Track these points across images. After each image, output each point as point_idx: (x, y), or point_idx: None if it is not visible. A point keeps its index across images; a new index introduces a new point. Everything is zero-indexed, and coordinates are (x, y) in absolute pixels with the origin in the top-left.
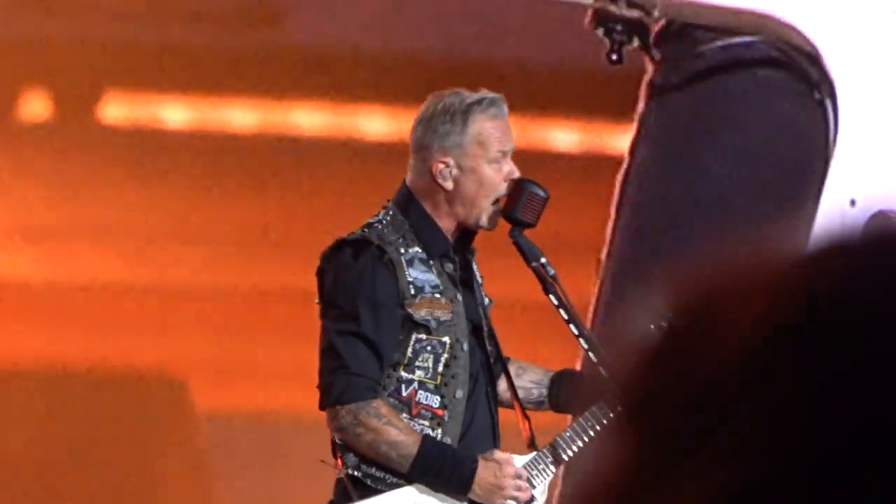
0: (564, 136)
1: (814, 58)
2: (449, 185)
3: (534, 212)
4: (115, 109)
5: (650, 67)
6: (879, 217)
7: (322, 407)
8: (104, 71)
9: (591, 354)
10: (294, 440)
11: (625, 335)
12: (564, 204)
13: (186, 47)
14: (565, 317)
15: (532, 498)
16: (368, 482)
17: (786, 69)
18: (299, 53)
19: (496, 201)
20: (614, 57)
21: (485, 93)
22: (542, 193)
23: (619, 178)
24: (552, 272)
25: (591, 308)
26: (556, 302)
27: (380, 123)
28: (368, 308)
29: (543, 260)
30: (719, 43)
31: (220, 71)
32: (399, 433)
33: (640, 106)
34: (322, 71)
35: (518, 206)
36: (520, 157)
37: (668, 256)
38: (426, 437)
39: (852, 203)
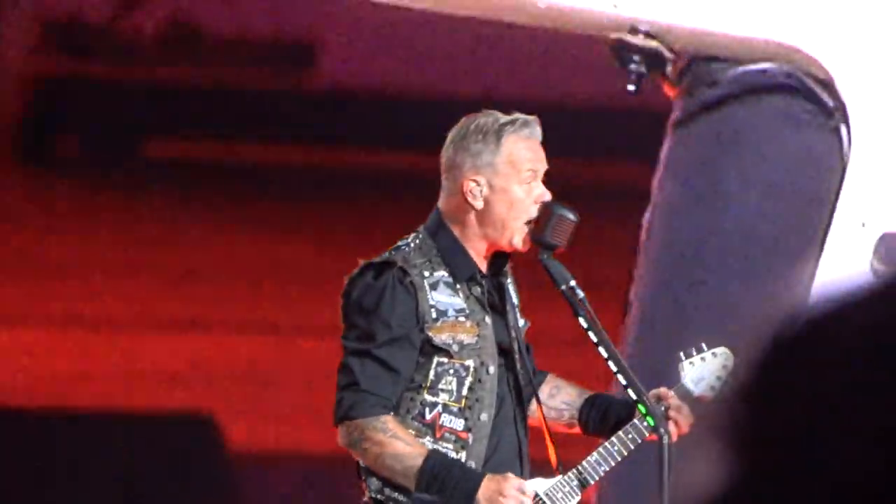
0: (590, 175)
1: (828, 84)
2: (479, 204)
3: (563, 235)
4: (147, 149)
5: (674, 105)
6: (887, 238)
7: (334, 424)
8: (140, 111)
9: (620, 377)
10: (327, 476)
11: (655, 369)
12: (592, 242)
13: (218, 88)
14: (595, 339)
15: None
16: None
17: (801, 96)
18: (329, 96)
19: (528, 222)
20: (633, 88)
21: (518, 115)
22: (571, 217)
23: (646, 215)
24: (581, 295)
25: (620, 347)
26: (585, 325)
27: (405, 164)
28: (384, 329)
29: (573, 283)
30: (734, 71)
31: (254, 111)
32: (405, 446)
33: (665, 143)
34: (350, 114)
35: (547, 230)
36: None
37: (697, 291)
38: (433, 451)
39: (863, 226)
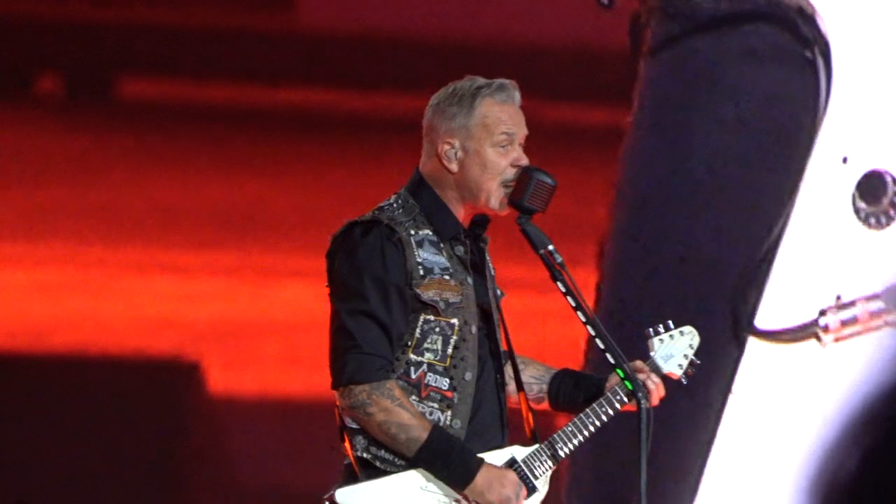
0: (566, 116)
1: (808, 15)
2: (454, 167)
3: (541, 199)
4: (128, 90)
5: (646, 35)
6: (871, 177)
7: (335, 387)
8: (116, 52)
9: (598, 342)
10: (311, 420)
11: (628, 319)
12: (570, 185)
13: (199, 28)
14: (573, 304)
15: (534, 489)
16: (378, 464)
17: (778, 25)
18: (309, 36)
19: (506, 185)
20: (605, 1)
21: (496, 80)
22: (549, 181)
23: (620, 155)
24: (560, 259)
25: (595, 287)
26: (563, 289)
27: (388, 107)
28: (378, 287)
29: (551, 247)
30: None
31: (232, 52)
32: (411, 417)
33: (638, 77)
34: (331, 54)
35: (526, 194)
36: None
37: (664, 233)
38: (436, 426)
39: (844, 161)
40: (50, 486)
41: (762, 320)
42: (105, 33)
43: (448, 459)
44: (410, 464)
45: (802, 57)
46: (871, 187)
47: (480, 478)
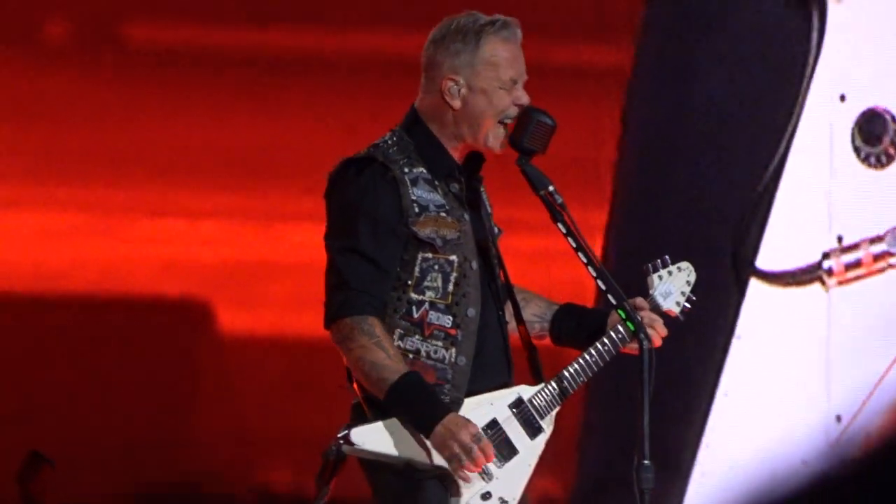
0: (564, 54)
1: None
2: (457, 103)
3: (542, 140)
4: (136, 35)
5: None
6: (869, 115)
7: (326, 325)
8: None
9: (599, 282)
10: (320, 360)
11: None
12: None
13: None
14: (573, 245)
15: (540, 429)
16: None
17: None
18: None
19: (504, 124)
20: None
21: (499, 16)
22: (549, 122)
23: (623, 96)
24: (560, 200)
25: (604, 228)
26: (563, 230)
27: (395, 47)
28: (369, 224)
29: (551, 188)
30: None
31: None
32: (385, 357)
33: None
34: None
35: (526, 135)
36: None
37: (668, 173)
38: (411, 372)
39: (842, 98)
40: (61, 431)
41: (764, 261)
42: None
43: (412, 406)
44: (382, 405)
45: None
46: (870, 126)
47: (441, 427)
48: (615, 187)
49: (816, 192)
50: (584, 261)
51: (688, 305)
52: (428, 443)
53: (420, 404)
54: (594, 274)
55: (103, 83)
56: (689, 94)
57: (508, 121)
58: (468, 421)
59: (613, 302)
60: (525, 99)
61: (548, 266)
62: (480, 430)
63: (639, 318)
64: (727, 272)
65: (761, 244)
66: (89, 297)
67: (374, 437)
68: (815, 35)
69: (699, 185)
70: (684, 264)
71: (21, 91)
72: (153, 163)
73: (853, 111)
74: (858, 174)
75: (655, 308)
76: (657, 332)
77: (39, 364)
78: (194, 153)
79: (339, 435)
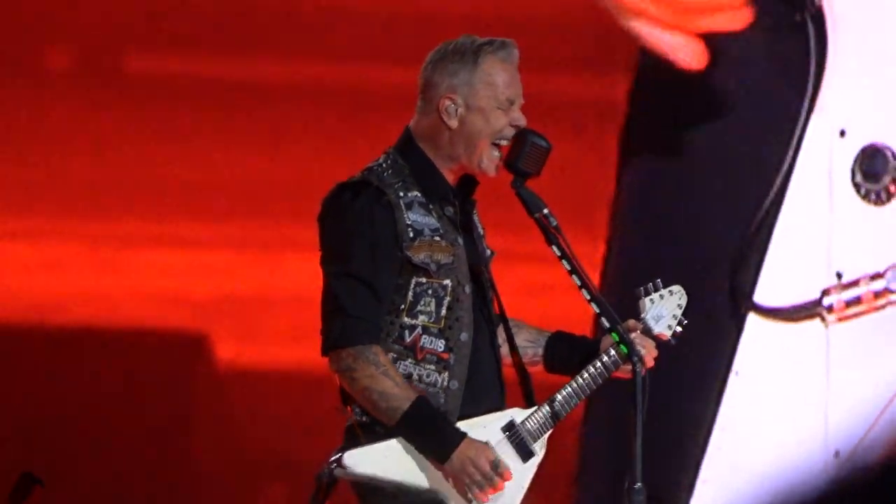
0: (565, 88)
1: None
2: (454, 123)
3: (536, 162)
4: (136, 64)
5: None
6: (869, 151)
7: (324, 353)
8: (127, 26)
9: (593, 305)
10: (319, 392)
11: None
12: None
13: (210, 3)
14: (568, 268)
15: (532, 453)
16: (378, 429)
17: None
18: (315, 10)
19: (498, 146)
20: None
21: (496, 38)
22: (544, 144)
23: (622, 129)
24: (555, 223)
25: (602, 259)
26: (558, 253)
27: (398, 80)
28: (365, 249)
29: (546, 210)
30: None
31: (237, 26)
32: (394, 385)
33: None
34: (341, 28)
35: (520, 157)
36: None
37: (667, 207)
38: (421, 397)
39: (842, 134)
40: (57, 460)
41: (762, 297)
42: (114, 7)
43: (427, 433)
44: (392, 433)
45: (792, 19)
46: (871, 163)
47: (458, 455)
48: (613, 222)
49: (816, 229)
50: (579, 283)
51: (679, 329)
52: (431, 467)
53: (434, 432)
54: (588, 297)
55: (103, 113)
56: (689, 129)
57: (503, 142)
58: (485, 446)
59: (607, 325)
60: (522, 121)
61: (546, 298)
62: (497, 455)
63: (632, 341)
64: (725, 307)
65: (759, 279)
66: (86, 328)
67: (367, 461)
68: (813, 70)
69: (698, 221)
70: (676, 288)
71: (20, 121)
72: (151, 193)
73: (853, 147)
74: (858, 211)
75: (647, 332)
76: (648, 355)
77: (35, 393)
78: (192, 184)
79: (332, 458)
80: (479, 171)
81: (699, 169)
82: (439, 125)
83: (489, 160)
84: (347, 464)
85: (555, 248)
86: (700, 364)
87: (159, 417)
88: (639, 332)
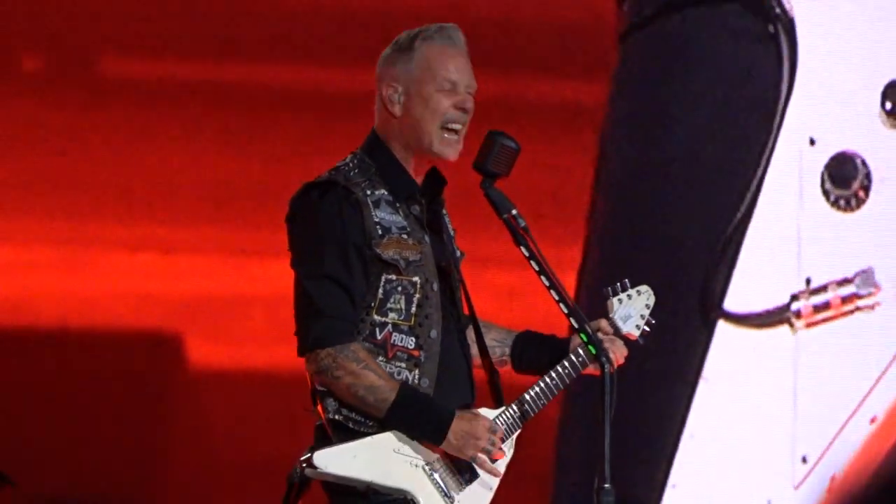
0: (543, 91)
1: None
2: (397, 109)
3: (506, 163)
4: (110, 67)
5: (618, 17)
6: (839, 158)
7: (300, 353)
8: (102, 30)
9: (561, 306)
10: (292, 393)
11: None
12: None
13: (185, 6)
14: (536, 268)
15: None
16: (350, 425)
17: (739, 3)
18: (290, 13)
19: (448, 129)
20: None
21: (438, 24)
22: (513, 145)
23: (599, 134)
24: (523, 224)
25: (578, 267)
26: (526, 253)
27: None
28: (337, 248)
29: (514, 211)
30: None
31: (212, 29)
32: (378, 378)
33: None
34: (318, 30)
35: (489, 158)
36: (499, 112)
37: (640, 213)
38: (404, 385)
39: (812, 142)
40: (31, 460)
41: (732, 303)
42: (87, 10)
43: (419, 418)
44: (382, 424)
45: (765, 31)
46: (840, 170)
47: (453, 432)
48: (589, 224)
49: (786, 235)
50: (547, 284)
51: (647, 329)
52: (401, 466)
53: (425, 416)
54: (556, 298)
55: (77, 115)
56: (663, 135)
57: (453, 125)
58: (476, 415)
59: (575, 325)
60: (468, 104)
61: (520, 303)
62: (491, 419)
63: (601, 341)
64: (695, 313)
65: (730, 286)
66: (61, 330)
67: (337, 461)
68: (784, 73)
69: (671, 226)
70: (643, 287)
71: None
72: (126, 195)
73: (823, 154)
74: (828, 217)
75: (615, 331)
76: (619, 354)
77: (10, 396)
78: (167, 186)
79: (303, 458)
80: (435, 155)
81: (673, 175)
82: (387, 116)
83: (440, 143)
84: (318, 464)
85: (523, 248)
86: (669, 371)
87: (133, 418)
88: (609, 332)
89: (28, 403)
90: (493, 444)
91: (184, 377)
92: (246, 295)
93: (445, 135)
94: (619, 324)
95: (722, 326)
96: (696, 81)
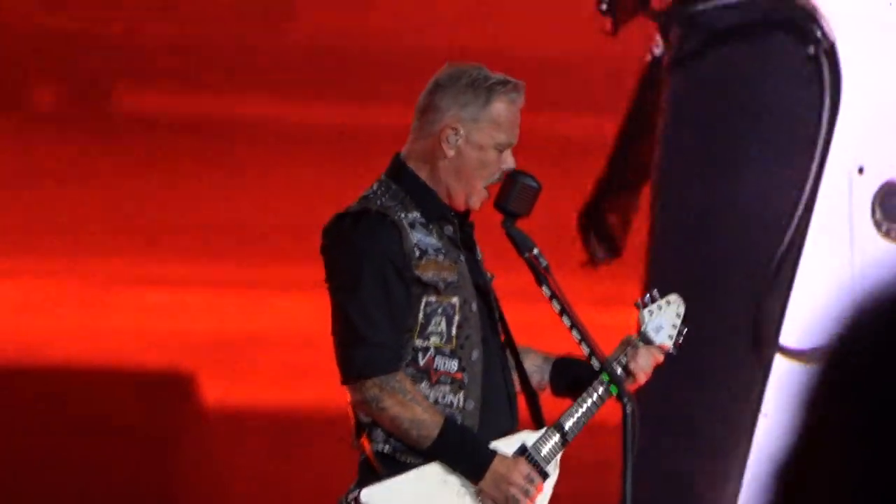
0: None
1: (812, 15)
2: (451, 152)
3: (527, 203)
4: (123, 102)
5: (658, 49)
6: (887, 188)
7: (345, 382)
8: (115, 64)
9: (583, 346)
10: (307, 434)
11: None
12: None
13: (198, 42)
14: (557, 308)
15: (546, 474)
16: (398, 456)
17: (783, 30)
18: (306, 48)
19: (487, 187)
20: (609, 23)
21: (510, 78)
22: (534, 185)
23: (652, 175)
24: (545, 263)
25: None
26: (548, 293)
27: (388, 120)
28: (377, 273)
29: (536, 251)
30: (713, 4)
31: (227, 64)
32: (423, 412)
33: (662, 93)
34: (331, 67)
35: (511, 198)
36: (530, 149)
37: (689, 249)
38: (448, 421)
39: (860, 171)
40: (41, 499)
41: (788, 338)
42: (102, 45)
43: (459, 455)
44: (425, 456)
45: (805, 54)
46: (890, 200)
47: (492, 473)
48: (648, 264)
49: (838, 267)
50: (568, 324)
51: (680, 338)
52: (448, 498)
53: (466, 453)
54: (578, 338)
55: (89, 150)
56: (708, 169)
57: (491, 182)
58: (515, 461)
59: (597, 366)
60: (512, 163)
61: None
62: (531, 468)
63: (622, 380)
64: (749, 350)
65: (784, 320)
66: (71, 368)
67: (385, 497)
68: (828, 105)
69: (721, 262)
70: (673, 297)
71: (5, 157)
72: (138, 231)
73: (872, 184)
74: (880, 248)
75: (647, 342)
76: (640, 376)
77: (20, 433)
78: (181, 222)
79: (350, 496)
80: (465, 205)
81: (718, 210)
82: (436, 150)
83: (478, 197)
84: (365, 500)
85: (544, 287)
86: (727, 409)
87: (145, 457)
88: (641, 346)
89: (35, 444)
90: (526, 492)
91: (195, 415)
92: (260, 333)
93: (485, 193)
94: (652, 335)
95: (779, 361)
96: (745, 115)
